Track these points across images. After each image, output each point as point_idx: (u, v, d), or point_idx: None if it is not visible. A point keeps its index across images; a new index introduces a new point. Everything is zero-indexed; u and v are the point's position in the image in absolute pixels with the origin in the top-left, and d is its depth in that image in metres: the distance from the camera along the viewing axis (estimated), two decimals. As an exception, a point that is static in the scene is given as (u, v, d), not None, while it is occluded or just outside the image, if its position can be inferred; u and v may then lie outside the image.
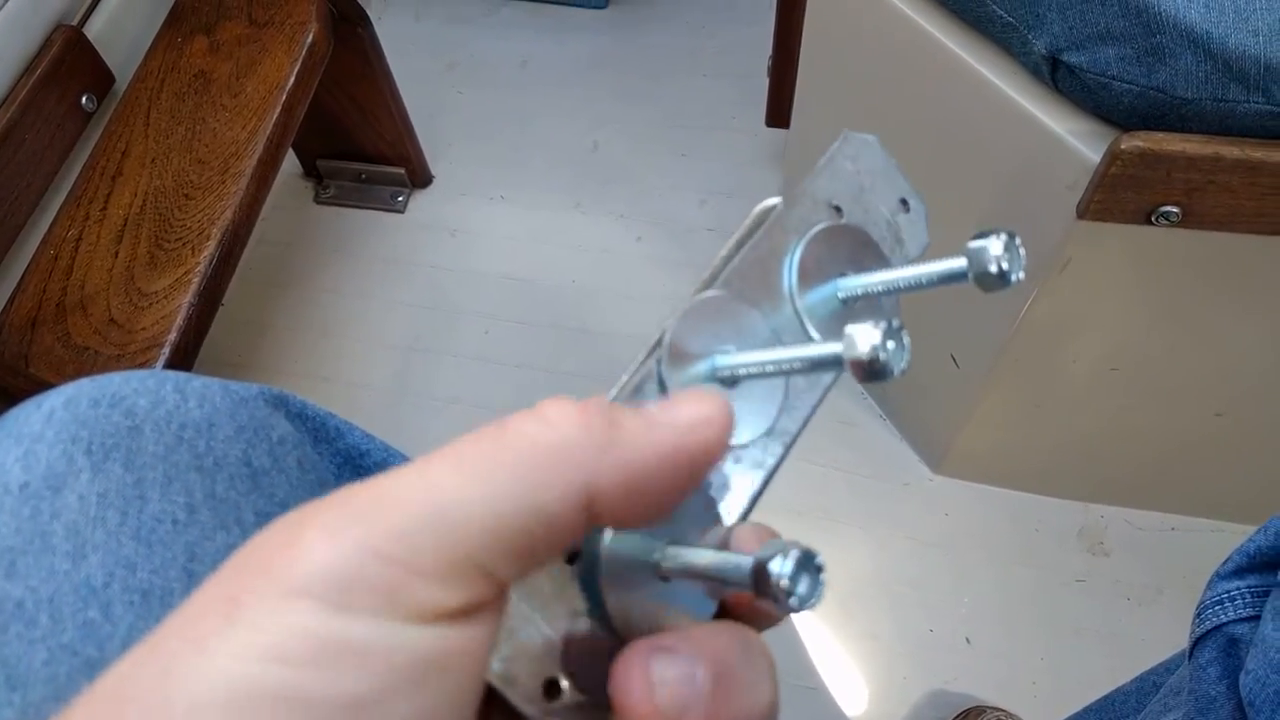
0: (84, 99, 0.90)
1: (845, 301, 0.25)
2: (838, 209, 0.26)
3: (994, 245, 0.21)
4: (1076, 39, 0.63)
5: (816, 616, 0.97)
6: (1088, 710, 0.64)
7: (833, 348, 0.20)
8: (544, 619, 0.20)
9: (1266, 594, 0.42)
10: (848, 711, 0.92)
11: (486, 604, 0.17)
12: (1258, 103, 0.58)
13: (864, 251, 0.26)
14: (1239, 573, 0.44)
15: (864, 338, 0.19)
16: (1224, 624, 0.43)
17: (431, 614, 0.16)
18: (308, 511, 0.16)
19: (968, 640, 0.95)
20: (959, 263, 0.22)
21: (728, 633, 0.19)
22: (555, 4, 1.61)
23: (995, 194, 0.76)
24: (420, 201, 1.37)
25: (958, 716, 0.90)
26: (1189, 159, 0.61)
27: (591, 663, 0.20)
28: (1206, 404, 0.84)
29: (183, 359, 0.79)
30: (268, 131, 0.92)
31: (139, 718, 0.15)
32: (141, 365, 0.77)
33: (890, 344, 0.19)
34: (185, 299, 0.81)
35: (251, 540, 0.16)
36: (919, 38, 0.75)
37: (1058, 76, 0.66)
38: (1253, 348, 0.77)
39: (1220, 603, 0.44)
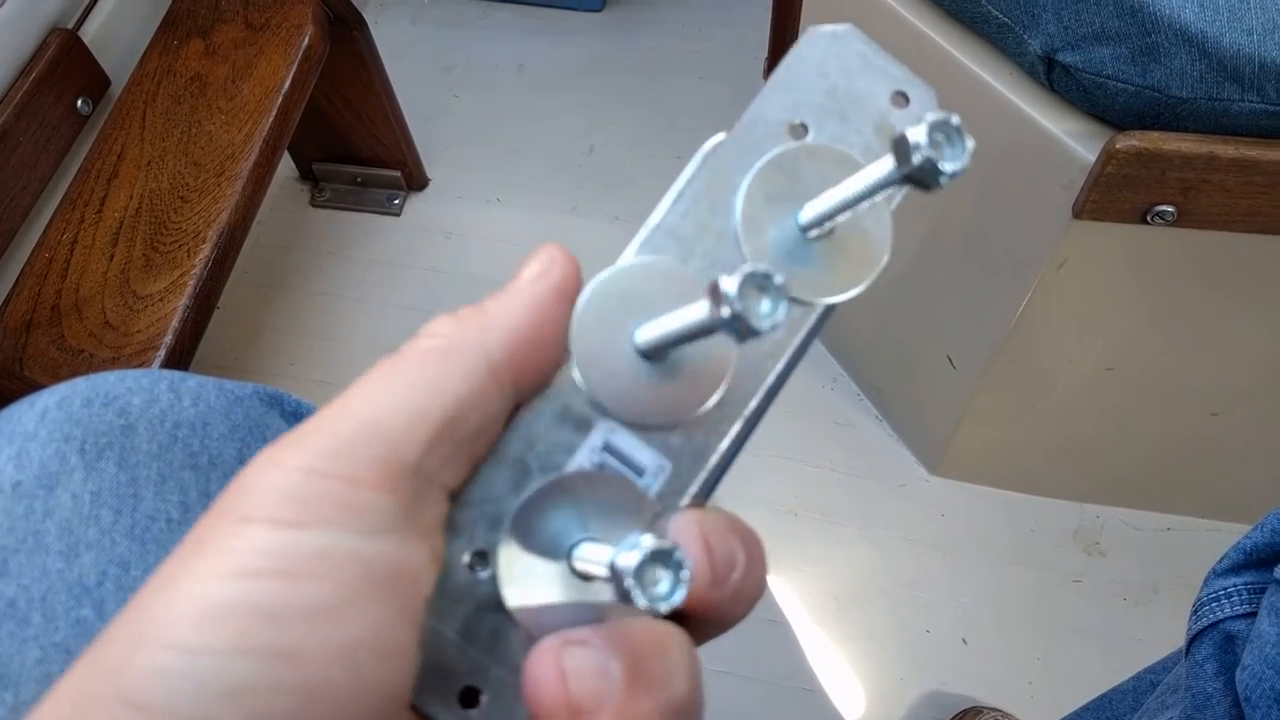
0: (79, 102, 0.90)
1: (815, 238, 0.21)
2: (803, 127, 0.21)
3: (914, 133, 0.16)
4: (1072, 39, 0.63)
5: (812, 618, 0.97)
6: (1085, 709, 0.64)
7: (704, 306, 0.17)
8: (459, 625, 0.19)
9: (1263, 590, 0.42)
10: (845, 713, 0.92)
11: (430, 511, 0.18)
12: (1253, 101, 0.58)
13: (843, 172, 0.20)
14: (1235, 569, 0.44)
15: (720, 291, 0.16)
16: (1220, 620, 0.43)
17: (379, 523, 0.17)
18: (254, 458, 0.18)
19: (965, 641, 0.95)
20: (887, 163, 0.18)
21: (644, 625, 0.19)
22: (551, 7, 1.61)
23: (990, 193, 0.76)
24: (416, 205, 1.37)
25: (955, 717, 0.90)
26: (1184, 158, 0.61)
27: (513, 670, 0.19)
28: (1202, 403, 0.85)
29: (178, 362, 0.79)
30: (263, 134, 0.92)
31: (115, 654, 0.15)
32: (137, 368, 0.77)
33: (764, 301, 0.15)
34: (181, 302, 0.81)
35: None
36: (914, 39, 0.75)
37: (1053, 76, 0.66)
38: (1248, 347, 0.78)
39: (1217, 599, 0.44)
